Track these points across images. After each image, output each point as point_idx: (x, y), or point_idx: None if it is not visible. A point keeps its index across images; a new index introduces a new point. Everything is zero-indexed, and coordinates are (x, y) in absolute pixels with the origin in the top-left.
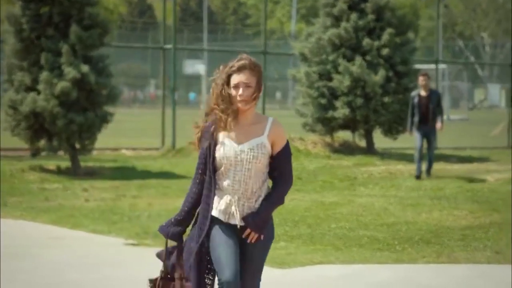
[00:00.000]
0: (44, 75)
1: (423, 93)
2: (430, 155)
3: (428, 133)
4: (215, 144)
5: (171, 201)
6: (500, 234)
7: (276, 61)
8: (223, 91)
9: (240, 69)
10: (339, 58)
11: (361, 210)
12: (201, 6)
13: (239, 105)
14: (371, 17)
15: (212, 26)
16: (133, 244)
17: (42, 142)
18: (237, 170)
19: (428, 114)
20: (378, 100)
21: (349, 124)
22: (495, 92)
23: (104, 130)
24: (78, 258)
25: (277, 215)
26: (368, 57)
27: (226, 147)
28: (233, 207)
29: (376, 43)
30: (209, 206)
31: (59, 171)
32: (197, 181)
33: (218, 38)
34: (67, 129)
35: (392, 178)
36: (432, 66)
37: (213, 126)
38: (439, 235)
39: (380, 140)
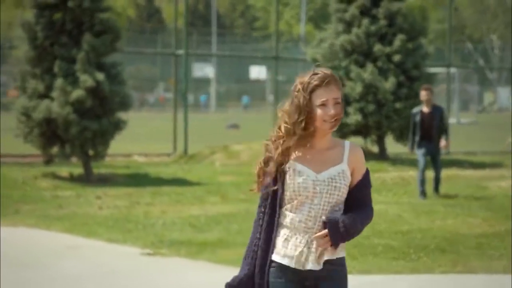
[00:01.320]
0: (58, 82)
1: (425, 109)
2: (437, 174)
3: (432, 151)
4: (285, 173)
5: (185, 208)
6: None
7: (285, 64)
8: (307, 111)
9: (327, 83)
10: (351, 64)
11: (375, 217)
12: (209, 9)
13: (326, 126)
14: (383, 22)
15: (220, 29)
16: (148, 254)
17: (55, 149)
18: (314, 204)
19: (432, 132)
20: (390, 106)
21: (361, 130)
22: (505, 95)
23: (116, 135)
24: (95, 268)
25: None
26: (379, 63)
27: (303, 176)
28: (305, 249)
29: (388, 49)
30: (269, 249)
31: (71, 178)
32: (262, 222)
33: (227, 40)
34: (81, 135)
35: (405, 185)
36: (443, 70)
37: (281, 152)
38: (454, 243)
39: (392, 145)
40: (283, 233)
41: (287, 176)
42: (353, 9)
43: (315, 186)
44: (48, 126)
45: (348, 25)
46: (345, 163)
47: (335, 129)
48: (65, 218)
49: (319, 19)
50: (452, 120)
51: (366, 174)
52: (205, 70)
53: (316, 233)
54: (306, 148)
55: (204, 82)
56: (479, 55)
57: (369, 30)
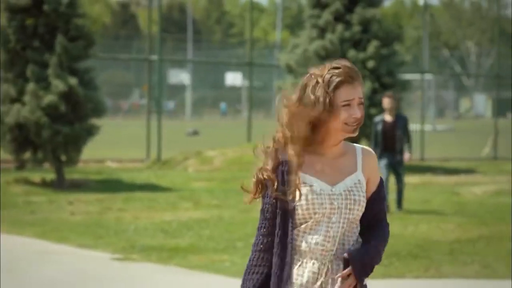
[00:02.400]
0: (30, 86)
1: (388, 118)
2: (399, 188)
3: (394, 164)
4: (295, 188)
5: (158, 214)
6: (488, 248)
7: (261, 71)
8: (327, 112)
9: (352, 78)
10: None
11: None
12: (185, 16)
13: (347, 131)
14: (357, 28)
15: (196, 35)
16: (119, 259)
17: (27, 154)
18: (332, 222)
19: (394, 143)
20: (364, 112)
21: None
22: (481, 102)
23: (89, 141)
24: (65, 273)
25: None
26: None
27: (317, 190)
28: (324, 279)
29: (362, 55)
30: (283, 276)
31: (44, 184)
32: (262, 247)
33: (203, 47)
34: (52, 140)
35: None
36: (419, 76)
37: (288, 162)
38: (427, 249)
39: None
40: (296, 258)
41: (296, 192)
42: (327, 15)
43: (332, 201)
44: (20, 131)
45: (322, 31)
46: (360, 171)
47: (355, 134)
48: (37, 224)
49: (295, 26)
50: (427, 127)
51: (381, 184)
52: (181, 77)
53: (335, 255)
54: (315, 155)
55: (179, 88)
56: (455, 62)
57: (343, 36)
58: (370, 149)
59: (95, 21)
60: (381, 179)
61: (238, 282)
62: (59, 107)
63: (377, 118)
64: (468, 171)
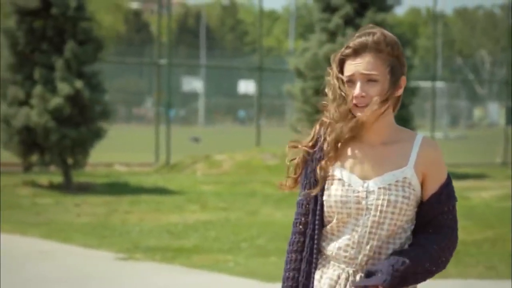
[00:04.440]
0: (37, 89)
1: None
2: None
3: None
4: (324, 181)
5: (164, 216)
6: (493, 250)
7: (274, 79)
8: (336, 88)
9: (357, 51)
10: None
11: None
12: (199, 23)
13: (357, 112)
14: None
15: (210, 42)
16: (123, 259)
17: (35, 157)
18: (359, 224)
19: None
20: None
21: None
22: (494, 110)
23: (99, 145)
24: (67, 272)
25: (268, 229)
26: None
27: (342, 185)
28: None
29: None
30: (309, 285)
31: (51, 186)
32: (297, 247)
33: (216, 54)
34: (60, 144)
35: None
36: (429, 84)
37: (321, 151)
38: None
39: None
40: (320, 262)
41: (325, 186)
42: (336, 19)
43: (359, 200)
44: (28, 133)
45: (332, 35)
46: (410, 167)
47: (373, 117)
48: (42, 225)
49: (308, 34)
50: (440, 135)
51: (445, 185)
52: (194, 84)
53: (361, 265)
54: (354, 142)
55: (192, 96)
56: (469, 70)
57: None
58: (434, 142)
59: (109, 29)
60: (448, 177)
61: (241, 281)
62: (65, 110)
63: None
64: (478, 176)
